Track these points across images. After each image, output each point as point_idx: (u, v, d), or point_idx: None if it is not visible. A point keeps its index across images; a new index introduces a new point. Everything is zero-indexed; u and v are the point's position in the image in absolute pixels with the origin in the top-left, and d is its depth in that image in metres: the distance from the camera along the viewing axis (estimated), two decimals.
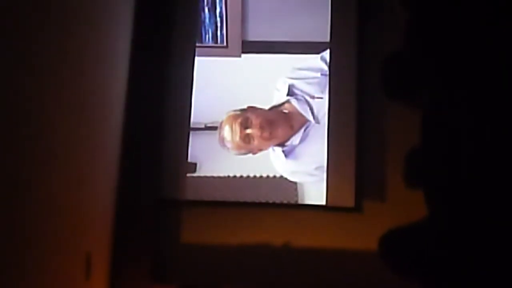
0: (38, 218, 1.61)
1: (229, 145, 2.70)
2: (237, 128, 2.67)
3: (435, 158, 2.22)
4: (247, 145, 2.68)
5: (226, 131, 2.69)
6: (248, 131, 2.65)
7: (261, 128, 2.66)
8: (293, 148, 2.69)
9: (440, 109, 2.24)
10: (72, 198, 1.85)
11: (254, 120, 2.67)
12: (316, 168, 2.59)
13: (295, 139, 2.69)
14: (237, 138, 2.68)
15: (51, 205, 1.69)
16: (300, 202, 2.60)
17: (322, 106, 2.61)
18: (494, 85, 2.10)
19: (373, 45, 2.44)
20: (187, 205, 2.44)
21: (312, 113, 2.68)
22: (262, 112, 2.72)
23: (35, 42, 1.52)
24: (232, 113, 2.70)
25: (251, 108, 2.71)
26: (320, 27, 2.61)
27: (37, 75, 1.54)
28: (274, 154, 2.70)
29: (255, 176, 2.69)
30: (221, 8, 2.76)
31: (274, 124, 2.69)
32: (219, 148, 2.68)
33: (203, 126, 2.71)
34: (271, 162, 2.70)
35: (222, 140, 2.70)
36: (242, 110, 2.71)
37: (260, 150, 2.71)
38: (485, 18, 2.15)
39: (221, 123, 2.71)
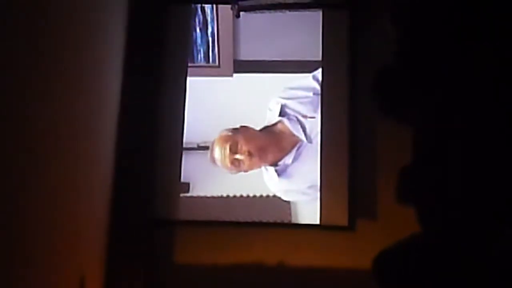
0: (32, 238, 1.60)
1: (219, 164, 2.70)
2: (226, 152, 2.68)
3: (427, 176, 2.24)
4: (236, 167, 2.69)
5: (217, 153, 2.70)
6: (237, 156, 2.66)
7: (250, 155, 2.67)
8: (286, 167, 2.70)
9: (432, 126, 2.25)
10: (66, 219, 1.85)
11: (244, 146, 2.67)
12: (309, 187, 2.60)
13: (288, 159, 2.69)
14: (227, 161, 2.69)
15: (45, 225, 1.68)
16: (294, 221, 2.60)
17: (314, 125, 2.62)
18: (484, 102, 2.12)
19: (365, 64, 2.45)
20: (180, 225, 2.43)
21: (305, 132, 2.69)
22: (253, 136, 2.72)
23: (30, 63, 1.52)
24: (224, 133, 2.70)
25: (243, 128, 2.71)
26: (312, 46, 2.62)
27: (30, 95, 1.54)
28: (267, 174, 2.70)
29: (248, 196, 2.69)
30: (212, 27, 2.77)
31: (264, 150, 2.70)
32: (212, 168, 2.68)
33: (195, 146, 2.72)
34: (264, 182, 2.70)
35: (213, 160, 2.71)
36: (235, 129, 2.71)
37: (251, 169, 2.71)
38: (475, 35, 2.17)
39: (212, 143, 2.71)
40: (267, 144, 2.73)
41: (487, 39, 2.15)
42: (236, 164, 2.68)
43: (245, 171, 2.70)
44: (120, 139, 2.36)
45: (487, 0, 2.16)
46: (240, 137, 2.70)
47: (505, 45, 2.12)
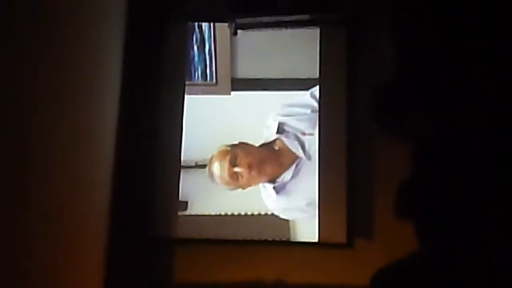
0: (30, 258, 1.59)
1: (218, 180, 2.70)
2: (225, 165, 2.68)
3: (427, 194, 2.23)
4: (235, 182, 2.69)
5: (215, 167, 2.70)
6: (236, 169, 2.66)
7: (249, 167, 2.67)
8: (285, 184, 2.69)
9: (431, 144, 2.25)
10: (64, 238, 1.84)
11: (243, 158, 2.68)
12: (308, 204, 2.59)
13: (287, 176, 2.69)
14: (226, 175, 2.68)
15: (43, 245, 1.68)
16: (292, 239, 2.59)
17: (313, 142, 2.61)
18: (485, 118, 2.12)
19: (363, 81, 2.44)
20: (178, 243, 2.42)
21: (303, 149, 2.69)
22: (251, 150, 2.73)
23: (31, 80, 1.52)
24: (223, 148, 2.71)
25: (242, 144, 2.72)
26: (309, 63, 2.62)
27: (28, 113, 1.54)
28: (265, 192, 2.70)
29: (246, 214, 2.69)
30: (210, 45, 2.77)
31: (263, 162, 2.70)
32: (210, 186, 2.68)
33: (193, 164, 2.71)
34: (262, 200, 2.70)
35: (211, 175, 2.71)
36: (233, 145, 2.71)
37: (250, 185, 2.71)
38: (475, 49, 2.18)
39: (211, 158, 2.71)
40: (267, 157, 2.73)
41: (488, 53, 2.15)
42: (235, 178, 2.68)
43: (243, 187, 2.69)
44: (118, 157, 2.36)
45: (487, 14, 2.17)
46: (239, 151, 2.71)
47: (505, 55, 2.13)
